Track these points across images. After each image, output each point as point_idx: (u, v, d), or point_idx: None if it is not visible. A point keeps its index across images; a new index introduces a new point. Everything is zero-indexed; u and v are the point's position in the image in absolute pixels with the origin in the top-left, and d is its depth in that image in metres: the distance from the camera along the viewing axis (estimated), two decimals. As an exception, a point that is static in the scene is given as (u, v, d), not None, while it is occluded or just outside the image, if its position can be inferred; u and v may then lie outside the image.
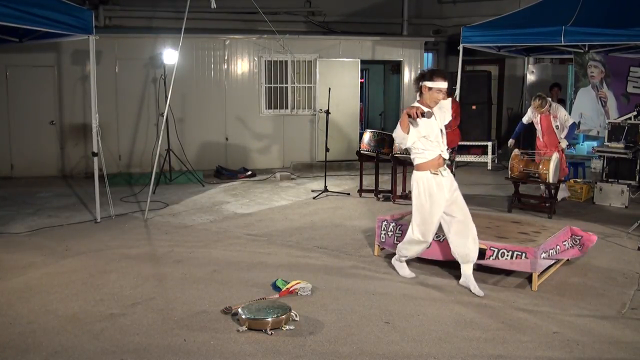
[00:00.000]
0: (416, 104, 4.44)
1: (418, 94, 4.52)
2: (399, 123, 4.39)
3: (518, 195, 7.51)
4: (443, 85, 4.37)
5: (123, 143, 10.18)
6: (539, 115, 7.56)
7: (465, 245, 4.50)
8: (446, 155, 4.48)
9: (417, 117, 4.25)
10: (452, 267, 5.02)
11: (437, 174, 4.42)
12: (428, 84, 4.38)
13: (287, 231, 6.41)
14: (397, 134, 4.42)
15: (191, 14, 6.92)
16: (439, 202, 4.46)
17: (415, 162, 4.50)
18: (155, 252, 5.59)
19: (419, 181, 4.47)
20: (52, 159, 10.04)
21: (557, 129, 7.49)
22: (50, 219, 6.92)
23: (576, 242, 5.12)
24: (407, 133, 4.35)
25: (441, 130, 4.49)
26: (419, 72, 4.51)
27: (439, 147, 4.44)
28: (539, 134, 7.69)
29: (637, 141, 7.89)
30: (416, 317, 4.05)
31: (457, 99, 9.39)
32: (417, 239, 4.61)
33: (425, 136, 4.40)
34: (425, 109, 4.35)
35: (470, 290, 4.49)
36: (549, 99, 7.59)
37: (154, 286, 4.63)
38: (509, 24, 8.85)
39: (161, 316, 4.03)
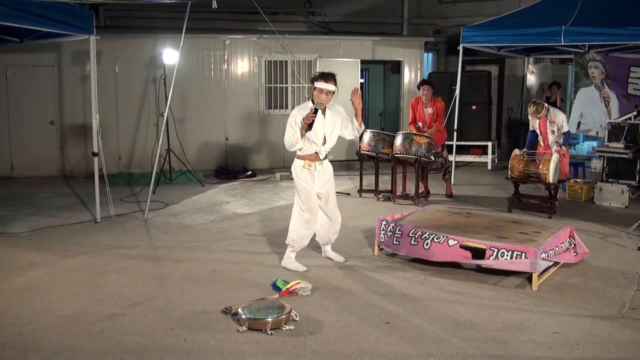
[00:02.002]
0: (310, 104, 4.86)
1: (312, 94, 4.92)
2: (293, 134, 4.82)
3: (518, 195, 7.51)
4: (325, 86, 4.77)
5: (123, 143, 10.19)
6: (538, 121, 7.47)
7: (327, 234, 5.25)
8: (322, 155, 4.98)
9: (309, 121, 4.72)
10: (452, 267, 5.03)
11: (311, 168, 4.95)
12: (315, 84, 4.82)
13: (287, 231, 6.37)
14: (292, 141, 4.84)
15: (191, 14, 6.92)
16: (312, 187, 4.99)
17: (297, 152, 5.01)
18: (155, 252, 5.59)
19: (296, 168, 5.01)
20: (52, 159, 10.04)
21: (554, 133, 7.37)
22: (50, 219, 6.92)
23: (572, 244, 5.10)
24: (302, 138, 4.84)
25: (325, 134, 4.93)
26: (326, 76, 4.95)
27: (317, 147, 4.92)
28: (540, 139, 7.58)
29: (637, 141, 7.88)
30: (416, 317, 4.05)
31: (457, 98, 9.41)
32: (305, 217, 4.98)
33: (307, 136, 4.85)
34: (310, 109, 4.79)
35: (333, 260, 5.28)
36: (546, 104, 7.50)
37: (154, 286, 4.63)
38: (509, 24, 8.86)
39: (161, 316, 4.03)
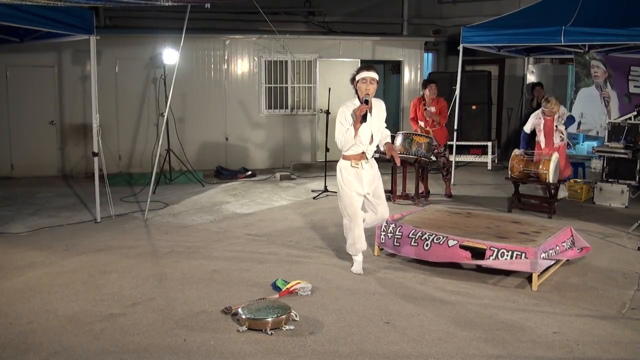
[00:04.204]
0: (356, 101, 4.72)
1: (355, 93, 4.78)
2: (346, 131, 4.69)
3: (518, 195, 7.50)
4: (368, 74, 4.63)
5: (123, 143, 10.19)
6: (546, 119, 7.41)
7: (375, 218, 5.02)
8: (369, 154, 4.81)
9: (363, 111, 4.56)
10: (452, 267, 5.03)
11: (358, 167, 4.80)
12: (357, 77, 4.69)
13: (287, 231, 6.41)
14: (346, 138, 4.68)
15: (191, 14, 6.92)
16: (357, 190, 4.84)
17: (342, 152, 4.89)
18: (155, 252, 5.59)
19: (341, 169, 4.87)
20: (52, 159, 10.04)
21: (557, 128, 7.43)
22: (50, 219, 6.92)
23: (574, 243, 5.11)
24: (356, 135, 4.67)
25: (372, 132, 4.77)
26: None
27: (363, 147, 4.75)
28: (540, 139, 7.51)
29: (637, 141, 7.88)
30: (416, 317, 4.05)
31: (457, 98, 9.42)
32: (349, 223, 4.92)
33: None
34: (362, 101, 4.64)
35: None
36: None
37: (154, 286, 4.63)
38: (509, 24, 8.86)
39: (161, 316, 4.03)
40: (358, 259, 5.03)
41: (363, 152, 4.77)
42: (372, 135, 4.76)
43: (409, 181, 8.16)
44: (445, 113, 8.19)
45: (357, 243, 4.94)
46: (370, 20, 12.51)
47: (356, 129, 4.63)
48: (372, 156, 4.85)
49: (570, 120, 7.46)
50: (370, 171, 4.85)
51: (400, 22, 12.66)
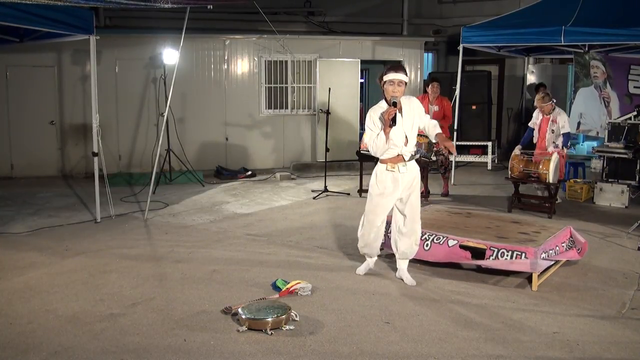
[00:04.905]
0: (383, 103, 4.54)
1: (382, 95, 4.60)
2: (376, 137, 4.46)
3: (518, 195, 7.50)
4: (395, 76, 4.39)
5: (123, 143, 10.19)
6: (541, 117, 7.45)
7: (408, 244, 4.71)
8: (407, 156, 4.56)
9: (391, 115, 4.32)
10: (452, 267, 5.03)
11: (394, 170, 4.55)
12: (384, 78, 4.47)
13: (287, 231, 6.41)
14: (378, 144, 4.46)
15: (191, 14, 6.92)
16: (389, 195, 4.62)
17: (379, 157, 4.65)
18: (155, 252, 5.59)
19: (376, 173, 4.66)
20: (52, 159, 10.04)
21: (553, 132, 7.38)
22: (50, 219, 6.92)
23: (573, 243, 5.11)
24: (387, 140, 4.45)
25: (406, 132, 4.51)
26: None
27: (398, 149, 4.52)
28: (536, 138, 7.57)
29: (637, 141, 7.88)
30: (416, 317, 4.05)
31: (457, 98, 9.42)
32: (366, 228, 4.77)
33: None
34: (390, 104, 4.43)
35: (404, 281, 4.73)
36: (554, 100, 7.46)
37: (154, 286, 4.63)
38: (509, 24, 8.87)
39: (161, 316, 4.03)
40: (369, 261, 4.94)
41: (399, 155, 4.53)
42: (406, 137, 4.50)
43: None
44: (450, 115, 8.23)
45: (365, 248, 4.87)
46: (370, 20, 12.51)
47: (386, 134, 4.39)
48: (411, 158, 4.59)
49: (565, 138, 7.34)
50: (408, 174, 4.57)
51: (400, 22, 12.66)
